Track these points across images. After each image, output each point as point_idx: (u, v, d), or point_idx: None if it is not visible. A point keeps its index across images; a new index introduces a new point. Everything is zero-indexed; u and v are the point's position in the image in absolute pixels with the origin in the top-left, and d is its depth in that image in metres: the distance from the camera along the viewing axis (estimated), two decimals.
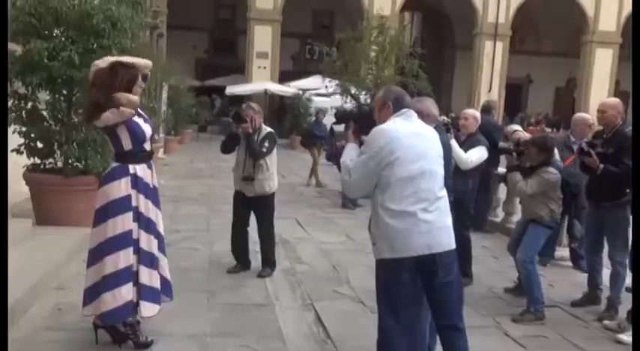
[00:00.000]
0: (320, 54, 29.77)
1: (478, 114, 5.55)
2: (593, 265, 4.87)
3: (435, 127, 3.23)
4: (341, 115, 3.41)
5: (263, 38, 24.90)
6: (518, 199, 7.37)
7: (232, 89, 23.65)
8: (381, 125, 2.93)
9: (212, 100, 25.35)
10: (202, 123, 23.56)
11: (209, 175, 12.13)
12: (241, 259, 5.38)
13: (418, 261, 2.82)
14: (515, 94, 29.56)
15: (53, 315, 4.02)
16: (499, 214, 8.13)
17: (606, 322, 4.44)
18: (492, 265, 6.19)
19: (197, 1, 26.71)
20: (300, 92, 21.43)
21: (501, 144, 5.36)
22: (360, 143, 3.09)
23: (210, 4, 28.78)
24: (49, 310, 4.11)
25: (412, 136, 2.85)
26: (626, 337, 4.04)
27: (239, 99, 26.27)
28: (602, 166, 4.35)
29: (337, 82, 10.75)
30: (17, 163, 6.16)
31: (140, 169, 3.44)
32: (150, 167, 3.55)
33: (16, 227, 5.52)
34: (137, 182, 3.42)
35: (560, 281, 5.55)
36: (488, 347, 3.96)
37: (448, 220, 2.95)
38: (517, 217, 7.63)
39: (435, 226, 2.86)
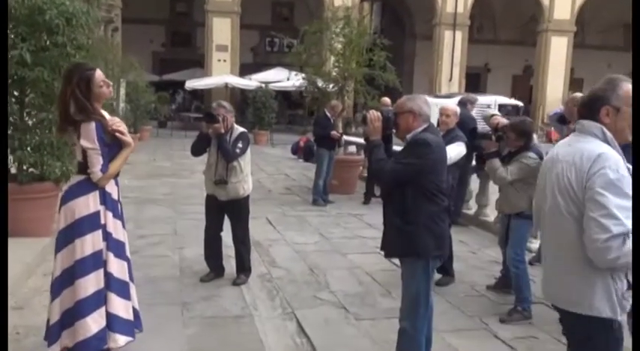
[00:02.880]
0: (281, 46, 29.47)
1: (458, 109, 5.40)
2: None
3: (428, 128, 3.03)
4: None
5: (222, 31, 24.30)
6: (490, 190, 7.39)
7: (192, 83, 23.08)
8: None
9: (173, 95, 24.69)
10: (162, 119, 22.92)
11: (172, 174, 11.70)
12: (215, 266, 5.09)
13: None
14: (474, 82, 29.79)
15: (11, 340, 3.65)
16: (472, 207, 8.07)
17: None
18: (472, 260, 6.08)
19: None
20: (263, 85, 21.02)
21: (479, 129, 5.21)
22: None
23: None
24: None
25: None
26: None
27: (199, 93, 25.74)
28: None
29: (303, 75, 10.47)
30: None
31: (108, 184, 3.12)
32: (117, 183, 3.23)
33: None
34: (105, 198, 3.09)
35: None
36: None
37: None
38: (490, 208, 7.60)
39: None
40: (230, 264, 5.23)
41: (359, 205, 9.01)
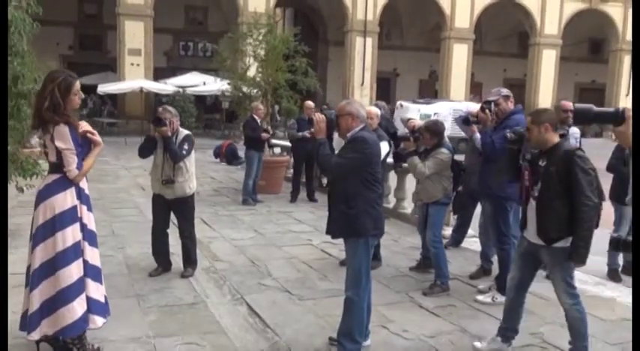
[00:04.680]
0: (195, 50, 29.40)
1: (379, 112, 6.06)
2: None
3: (364, 128, 3.60)
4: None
5: (135, 34, 23.95)
6: (406, 186, 8.17)
7: (105, 87, 22.53)
8: None
9: (86, 99, 23.91)
10: None
11: (96, 180, 11.56)
12: (163, 262, 5.40)
13: None
14: (384, 86, 31.28)
15: None
16: (391, 201, 8.82)
17: (480, 286, 5.15)
18: (394, 247, 6.76)
19: None
20: (180, 90, 20.99)
21: (399, 132, 5.93)
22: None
23: None
24: None
25: None
26: (481, 297, 4.83)
27: (113, 97, 25.14)
28: None
29: (229, 80, 10.83)
30: None
31: (81, 181, 3.43)
32: (87, 180, 3.54)
33: None
34: (80, 193, 3.40)
35: (456, 257, 6.23)
36: (408, 319, 4.44)
37: None
38: (407, 202, 8.39)
39: None
40: (174, 259, 5.56)
41: (286, 203, 9.53)
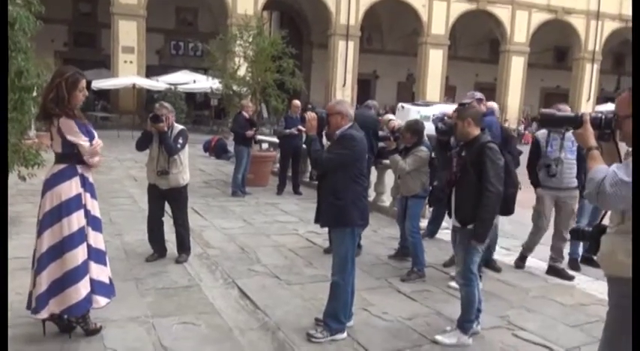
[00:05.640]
0: (186, 49, 29.18)
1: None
2: None
3: (353, 125, 3.69)
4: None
5: (128, 33, 23.72)
6: (386, 181, 8.30)
7: (99, 83, 22.26)
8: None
9: None
10: None
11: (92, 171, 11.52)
12: (158, 248, 5.44)
13: None
14: (365, 88, 31.38)
15: None
16: (371, 195, 8.92)
17: (453, 273, 5.28)
18: (373, 237, 6.87)
19: None
20: (172, 87, 20.86)
21: (381, 133, 6.05)
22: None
23: None
24: None
25: None
26: (454, 283, 4.81)
27: (105, 92, 24.87)
28: None
29: (219, 80, 10.83)
30: None
31: (85, 170, 3.46)
32: (90, 168, 3.57)
33: None
34: (85, 182, 3.43)
35: (431, 247, 6.35)
36: (388, 303, 4.55)
37: None
38: (386, 195, 8.51)
39: None
40: (169, 246, 5.59)
41: (273, 195, 9.59)
